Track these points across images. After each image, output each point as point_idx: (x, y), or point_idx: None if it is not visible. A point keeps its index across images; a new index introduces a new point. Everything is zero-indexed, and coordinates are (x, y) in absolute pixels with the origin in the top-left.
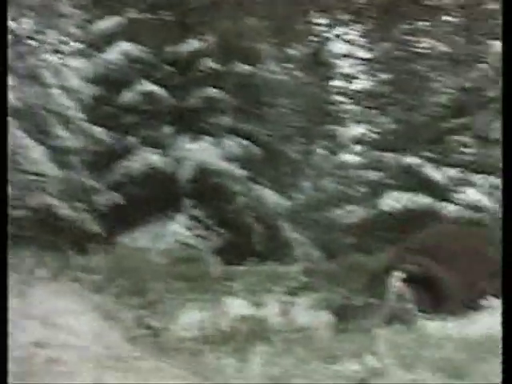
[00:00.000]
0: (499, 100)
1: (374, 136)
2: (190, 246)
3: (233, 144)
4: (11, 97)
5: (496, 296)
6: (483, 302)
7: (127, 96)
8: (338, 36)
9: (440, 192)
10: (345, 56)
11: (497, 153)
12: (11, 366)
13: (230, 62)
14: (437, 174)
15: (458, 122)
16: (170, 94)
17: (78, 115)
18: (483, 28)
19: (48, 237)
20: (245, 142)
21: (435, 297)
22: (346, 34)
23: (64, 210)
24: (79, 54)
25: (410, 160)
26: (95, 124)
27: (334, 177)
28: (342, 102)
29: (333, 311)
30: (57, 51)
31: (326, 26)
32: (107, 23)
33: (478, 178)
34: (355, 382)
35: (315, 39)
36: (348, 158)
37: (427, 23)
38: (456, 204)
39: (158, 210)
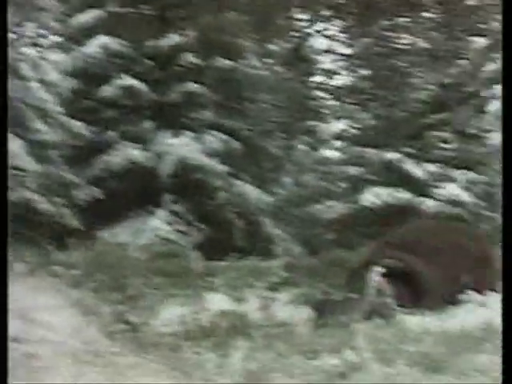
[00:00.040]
0: (479, 96)
1: (355, 132)
2: (170, 241)
3: (214, 139)
4: None
5: (475, 290)
6: (463, 297)
7: (107, 90)
8: (318, 31)
9: (420, 187)
10: (326, 52)
11: (476, 148)
12: None
13: (210, 57)
14: (417, 170)
15: (437, 118)
16: (151, 89)
17: (57, 109)
18: (463, 24)
19: (27, 231)
20: (226, 137)
21: (415, 291)
22: (327, 29)
23: (43, 204)
24: (58, 47)
25: (391, 156)
26: (74, 118)
27: (314, 172)
28: (322, 98)
29: (312, 306)
30: (35, 44)
31: (307, 21)
32: (87, 17)
33: (457, 174)
34: (335, 376)
35: (296, 34)
36: (329, 153)
37: (407, 19)
38: (436, 199)
39: (139, 205)
